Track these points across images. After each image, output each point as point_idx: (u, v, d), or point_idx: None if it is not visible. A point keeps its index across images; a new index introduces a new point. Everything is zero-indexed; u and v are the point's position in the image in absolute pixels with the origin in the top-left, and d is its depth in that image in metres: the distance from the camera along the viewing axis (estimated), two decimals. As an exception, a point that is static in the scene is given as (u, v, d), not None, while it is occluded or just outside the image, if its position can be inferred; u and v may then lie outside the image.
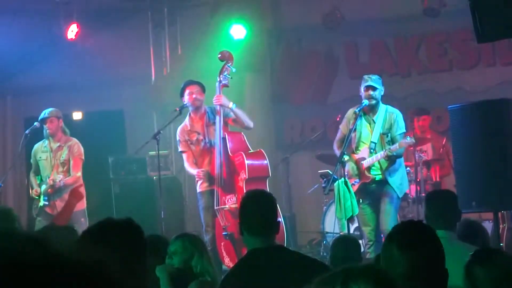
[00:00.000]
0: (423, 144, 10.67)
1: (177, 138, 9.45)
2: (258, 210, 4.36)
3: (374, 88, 8.67)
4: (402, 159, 8.93)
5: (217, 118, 9.09)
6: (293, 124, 12.77)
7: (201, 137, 9.24)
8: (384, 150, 8.66)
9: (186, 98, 9.28)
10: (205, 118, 9.27)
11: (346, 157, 8.76)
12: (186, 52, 12.97)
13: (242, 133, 9.26)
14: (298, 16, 12.45)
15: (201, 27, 12.51)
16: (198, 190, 9.22)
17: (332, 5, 11.89)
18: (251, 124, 9.17)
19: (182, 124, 9.44)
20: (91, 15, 12.30)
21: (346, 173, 8.72)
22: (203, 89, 9.23)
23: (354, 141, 8.90)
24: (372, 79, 8.74)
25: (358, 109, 8.72)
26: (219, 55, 9.33)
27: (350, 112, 8.87)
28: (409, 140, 8.71)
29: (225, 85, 9.17)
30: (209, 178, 9.12)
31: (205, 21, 12.43)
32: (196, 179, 9.22)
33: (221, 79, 9.18)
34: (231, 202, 8.88)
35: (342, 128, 8.97)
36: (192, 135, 9.31)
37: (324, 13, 11.93)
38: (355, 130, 8.79)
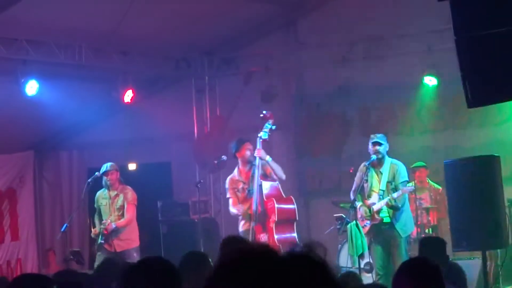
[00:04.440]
0: (422, 193, 10.96)
1: (226, 186, 9.83)
2: None
3: (379, 144, 9.19)
4: (406, 204, 9.22)
5: (256, 168, 9.53)
6: (313, 174, 12.88)
7: (246, 186, 9.58)
8: (388, 196, 9.04)
9: (244, 152, 9.55)
10: (252, 170, 9.62)
11: (359, 203, 9.20)
12: (224, 113, 13.36)
13: (277, 181, 9.62)
14: (318, 83, 12.71)
15: (236, 92, 12.97)
16: (241, 229, 9.60)
17: (346, 75, 12.19)
18: (283, 176, 9.62)
19: (231, 175, 9.83)
20: (144, 82, 12.76)
21: (360, 216, 9.14)
22: None
23: (367, 190, 9.34)
24: (378, 137, 9.28)
25: (368, 163, 9.28)
26: (262, 115, 9.65)
27: (362, 166, 9.36)
28: (410, 186, 9.09)
29: (265, 140, 9.57)
30: (250, 219, 9.53)
31: (239, 87, 12.92)
32: (239, 215, 9.53)
33: (262, 135, 9.52)
34: (263, 240, 9.21)
35: (357, 179, 9.40)
36: (238, 183, 9.66)
37: (340, 81, 12.27)
38: (366, 181, 9.26)
